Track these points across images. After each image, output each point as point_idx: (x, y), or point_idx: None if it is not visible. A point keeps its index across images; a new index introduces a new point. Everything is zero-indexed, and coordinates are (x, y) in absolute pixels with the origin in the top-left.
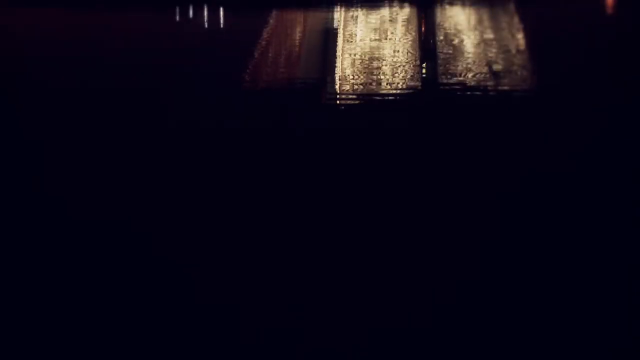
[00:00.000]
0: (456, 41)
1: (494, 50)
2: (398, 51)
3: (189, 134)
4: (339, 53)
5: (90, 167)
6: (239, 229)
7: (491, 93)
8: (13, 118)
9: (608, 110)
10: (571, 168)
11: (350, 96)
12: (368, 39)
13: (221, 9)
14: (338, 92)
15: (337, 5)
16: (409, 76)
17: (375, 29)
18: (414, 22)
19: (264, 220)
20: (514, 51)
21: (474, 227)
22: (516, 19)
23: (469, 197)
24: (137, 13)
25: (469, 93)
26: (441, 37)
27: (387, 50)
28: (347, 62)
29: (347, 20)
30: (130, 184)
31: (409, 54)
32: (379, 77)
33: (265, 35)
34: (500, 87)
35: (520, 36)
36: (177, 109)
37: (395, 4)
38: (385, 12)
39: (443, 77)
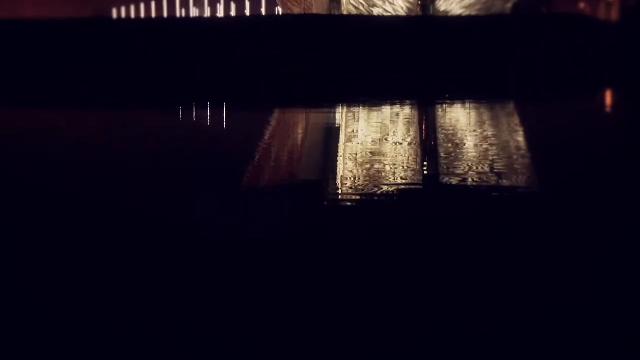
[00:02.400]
0: (457, 140)
1: (495, 149)
2: (399, 150)
3: (186, 238)
4: (340, 152)
5: (82, 275)
6: (234, 343)
7: (493, 192)
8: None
9: (609, 212)
10: (573, 273)
11: (352, 196)
12: (369, 137)
13: (223, 107)
14: (339, 191)
15: (338, 104)
16: (410, 175)
17: (376, 128)
18: (415, 120)
19: (259, 333)
20: (515, 150)
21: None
22: (517, 118)
23: (467, 311)
24: (136, 112)
25: (470, 192)
26: (442, 136)
27: (388, 149)
28: (349, 161)
29: (349, 119)
30: (124, 294)
31: (411, 152)
32: (380, 176)
33: (266, 134)
34: (501, 187)
35: (521, 135)
36: (174, 210)
37: (396, 102)
38: (386, 111)
39: (444, 176)
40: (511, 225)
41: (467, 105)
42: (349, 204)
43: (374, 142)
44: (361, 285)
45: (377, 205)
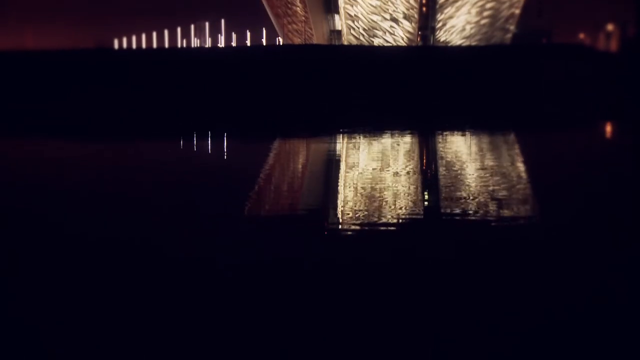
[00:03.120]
0: (457, 170)
1: (495, 179)
2: (400, 180)
3: (189, 267)
4: (341, 181)
5: (86, 312)
6: None
7: (492, 222)
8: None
9: (608, 241)
10: (572, 309)
11: (353, 225)
12: (370, 167)
13: (224, 137)
14: (340, 220)
15: (339, 134)
16: (410, 204)
17: (376, 158)
18: (416, 150)
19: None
20: (515, 180)
21: None
22: (517, 148)
23: (467, 342)
24: (140, 142)
25: (470, 222)
26: (442, 166)
27: (388, 178)
28: (349, 191)
29: (349, 149)
30: (128, 329)
31: (411, 182)
32: (380, 205)
33: (268, 163)
34: (501, 216)
35: (521, 165)
36: (177, 239)
37: (396, 132)
38: (386, 140)
39: (445, 205)
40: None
41: (468, 135)
42: (350, 231)
43: (374, 172)
44: (358, 311)
45: (376, 233)
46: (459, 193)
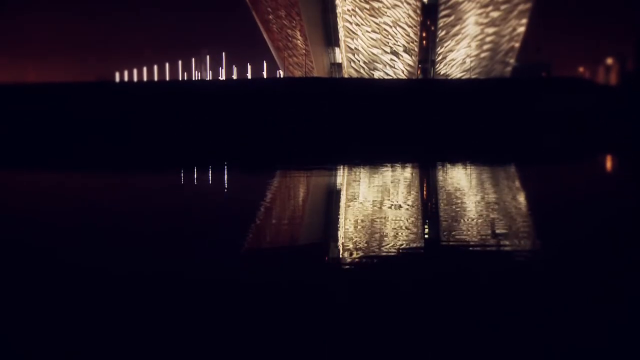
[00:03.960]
0: (458, 202)
1: (495, 211)
2: (400, 212)
3: (189, 301)
4: (341, 213)
5: (87, 340)
6: None
7: (493, 254)
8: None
9: (608, 275)
10: (572, 336)
11: (353, 257)
12: (371, 200)
13: (225, 170)
14: (341, 253)
15: (339, 167)
16: (411, 237)
17: (377, 190)
18: (416, 182)
19: None
20: (515, 212)
21: None
22: (517, 182)
23: None
24: (140, 175)
25: (471, 254)
26: (443, 198)
27: (389, 211)
28: (350, 223)
29: (350, 182)
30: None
31: (411, 214)
32: (381, 237)
33: (268, 195)
34: (502, 249)
35: (521, 197)
36: (177, 272)
37: (397, 165)
38: (387, 173)
39: (445, 238)
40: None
41: (468, 168)
42: (350, 263)
43: (375, 205)
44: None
45: (377, 265)
46: (460, 227)
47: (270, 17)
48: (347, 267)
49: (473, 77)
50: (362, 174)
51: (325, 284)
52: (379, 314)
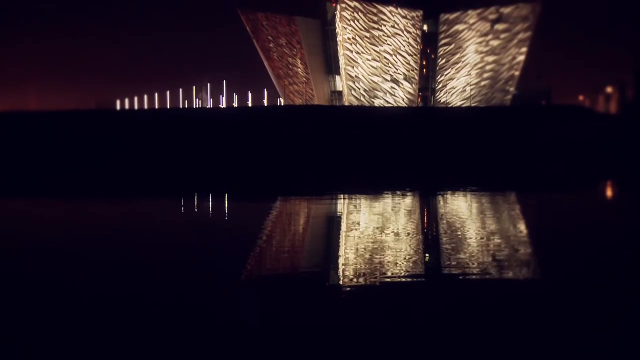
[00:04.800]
0: (459, 230)
1: (496, 240)
2: (401, 240)
3: (189, 329)
4: (342, 242)
5: None
6: None
7: (494, 283)
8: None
9: (610, 305)
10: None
11: (354, 286)
12: (371, 228)
13: (225, 197)
14: (341, 281)
15: (340, 194)
16: (411, 265)
17: (378, 218)
18: (417, 211)
19: None
20: (516, 241)
21: None
22: (518, 209)
23: None
24: (140, 202)
25: (472, 283)
26: (443, 228)
27: (390, 239)
28: (350, 251)
29: (350, 210)
30: None
31: (412, 243)
32: (382, 266)
33: (268, 223)
34: (502, 277)
35: (522, 226)
36: (176, 300)
37: (397, 193)
38: (387, 201)
39: (446, 266)
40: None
41: (468, 196)
42: (351, 291)
43: (375, 233)
44: None
45: (378, 293)
46: (461, 256)
47: (271, 45)
48: (349, 297)
49: (473, 105)
50: (363, 202)
51: (327, 312)
52: (379, 344)
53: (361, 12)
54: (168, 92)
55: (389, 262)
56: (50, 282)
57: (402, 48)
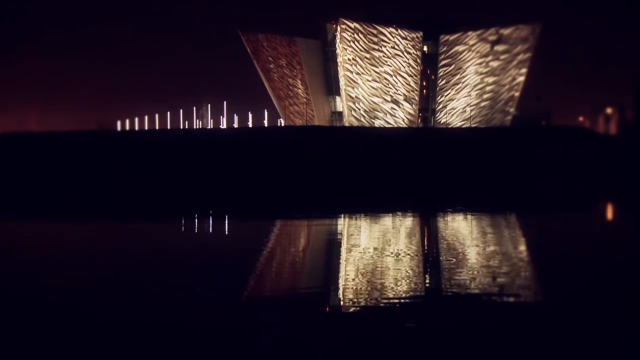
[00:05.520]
0: (459, 251)
1: (496, 260)
2: (401, 261)
3: (189, 351)
4: (342, 262)
5: None
6: None
7: (494, 304)
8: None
9: (611, 326)
10: None
11: (354, 306)
12: (371, 248)
13: (225, 218)
14: (342, 302)
15: (340, 215)
16: (412, 286)
17: (378, 238)
18: (417, 231)
19: None
20: (516, 262)
21: None
22: (518, 230)
23: None
24: (140, 223)
25: (472, 303)
26: (444, 247)
27: (390, 259)
28: (351, 272)
29: (351, 231)
30: None
31: (412, 263)
32: (382, 286)
33: (269, 244)
34: (503, 299)
35: (522, 247)
36: (176, 323)
37: (398, 213)
38: (388, 221)
39: (447, 287)
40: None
41: (469, 217)
42: (351, 312)
43: (377, 255)
44: None
45: (378, 314)
46: (461, 279)
47: (272, 66)
48: (351, 319)
49: (473, 125)
50: (363, 222)
51: (328, 335)
52: None
53: (361, 33)
54: (169, 113)
55: (391, 284)
56: (62, 307)
57: (402, 69)
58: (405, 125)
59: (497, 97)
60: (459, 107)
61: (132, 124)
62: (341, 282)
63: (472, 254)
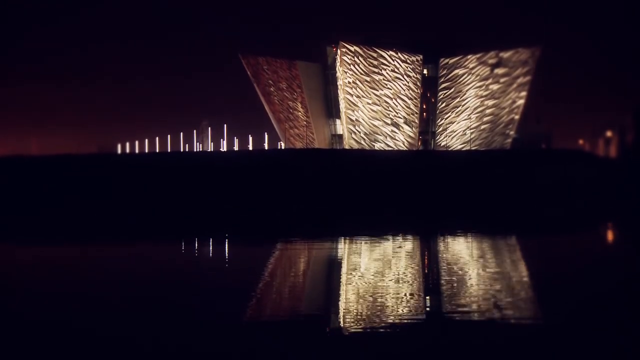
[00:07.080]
0: (459, 273)
1: (497, 282)
2: (402, 283)
3: None
4: (342, 285)
5: None
6: None
7: (495, 325)
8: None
9: (612, 347)
10: None
11: (355, 329)
12: (372, 270)
13: (225, 241)
14: (342, 324)
15: (340, 238)
16: (412, 308)
17: (378, 261)
18: (417, 253)
19: None
20: (517, 283)
21: None
22: (518, 251)
23: None
24: (142, 246)
25: (472, 325)
26: (444, 269)
27: (390, 282)
28: (351, 294)
29: (351, 253)
30: None
31: (413, 285)
32: (383, 309)
33: (269, 267)
34: (503, 320)
35: (522, 268)
36: (177, 345)
37: (398, 236)
38: (388, 244)
39: (447, 309)
40: None
41: (469, 239)
42: (352, 335)
43: (378, 278)
44: None
45: (379, 336)
46: (463, 301)
47: (272, 89)
48: (352, 342)
49: (473, 148)
50: (363, 245)
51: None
52: None
53: (361, 56)
54: (169, 136)
55: (391, 307)
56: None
57: (402, 92)
58: (405, 148)
59: (497, 120)
60: (459, 130)
61: (132, 146)
62: (342, 304)
63: (474, 277)
